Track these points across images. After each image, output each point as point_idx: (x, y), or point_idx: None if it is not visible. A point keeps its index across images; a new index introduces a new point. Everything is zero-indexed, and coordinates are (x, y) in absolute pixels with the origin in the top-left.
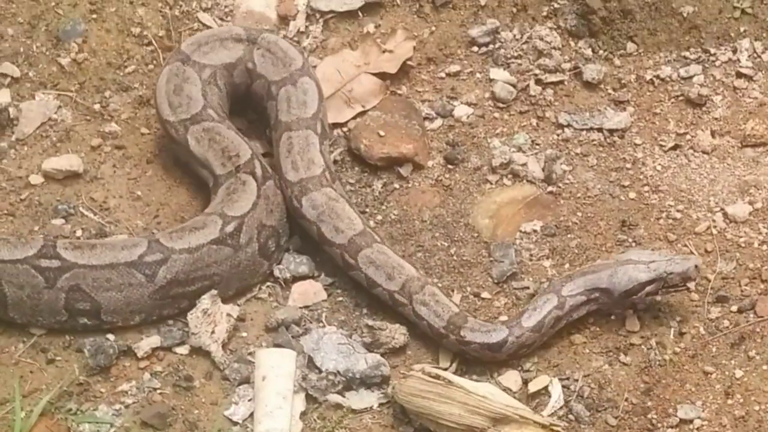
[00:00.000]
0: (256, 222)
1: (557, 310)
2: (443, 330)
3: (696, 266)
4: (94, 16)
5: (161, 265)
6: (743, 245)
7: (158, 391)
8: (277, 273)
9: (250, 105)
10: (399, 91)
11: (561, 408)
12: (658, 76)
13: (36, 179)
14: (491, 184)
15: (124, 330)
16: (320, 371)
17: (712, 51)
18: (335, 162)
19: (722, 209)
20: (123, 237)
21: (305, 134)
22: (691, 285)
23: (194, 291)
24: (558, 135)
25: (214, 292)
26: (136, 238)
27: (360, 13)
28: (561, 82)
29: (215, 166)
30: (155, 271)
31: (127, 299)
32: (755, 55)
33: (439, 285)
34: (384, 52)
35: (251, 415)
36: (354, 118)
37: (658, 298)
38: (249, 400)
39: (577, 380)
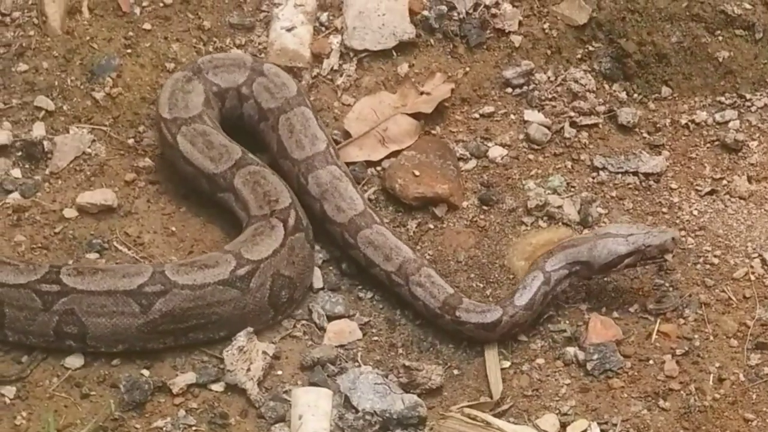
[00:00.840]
0: (272, 269)
1: (545, 286)
2: (438, 310)
3: (673, 238)
4: (129, 51)
5: (159, 297)
6: None
7: (193, 428)
8: (313, 314)
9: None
10: (433, 131)
11: None
12: (693, 121)
13: (70, 213)
14: (526, 225)
15: (160, 366)
16: (357, 411)
17: (748, 96)
18: (369, 200)
19: (760, 255)
20: (128, 265)
21: (300, 110)
22: (669, 257)
23: (185, 328)
24: (593, 178)
25: (250, 329)
26: (143, 266)
27: (394, 53)
28: (596, 125)
29: (252, 207)
30: (151, 303)
31: (115, 327)
32: None
33: None
34: (422, 94)
35: None
36: (388, 157)
37: (637, 269)
38: None
39: (615, 425)
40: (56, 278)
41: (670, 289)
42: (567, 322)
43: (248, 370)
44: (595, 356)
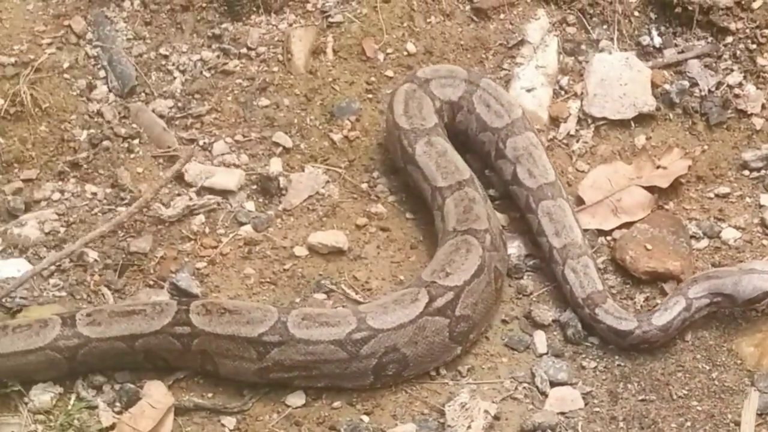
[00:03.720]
0: (389, 342)
1: (685, 312)
2: (581, 301)
3: None
4: (369, 96)
5: (275, 347)
6: None
7: None
8: (536, 378)
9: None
10: (667, 207)
11: None
12: None
13: (300, 251)
14: (757, 312)
15: (380, 413)
16: None
17: None
18: (598, 269)
19: None
20: (256, 306)
21: (490, 84)
22: None
23: (293, 377)
24: None
25: (474, 386)
26: (270, 310)
27: (632, 123)
28: None
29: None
30: (268, 351)
31: (237, 369)
32: None
33: (698, 408)
34: (658, 167)
35: None
36: (619, 227)
37: None
38: None
39: None
40: (186, 319)
41: None
42: None
43: (468, 427)
44: None
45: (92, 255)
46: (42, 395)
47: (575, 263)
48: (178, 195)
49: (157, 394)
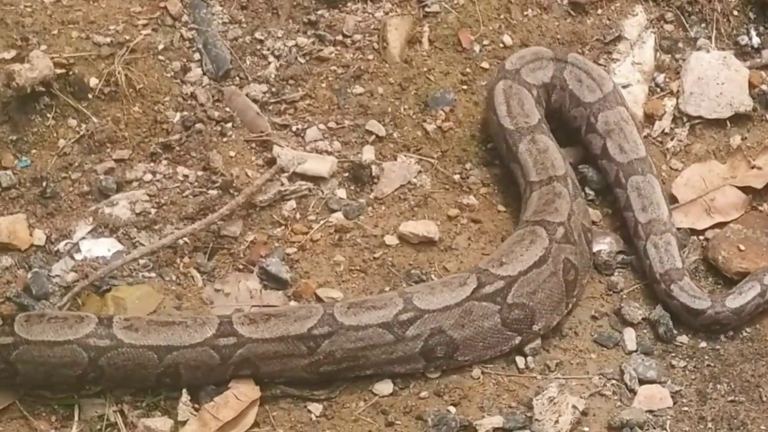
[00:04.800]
0: (435, 323)
1: (759, 298)
2: (658, 276)
3: None
4: (464, 87)
5: (325, 339)
6: None
7: None
8: (625, 375)
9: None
10: (761, 208)
11: None
12: None
13: (391, 240)
14: None
15: (467, 404)
16: None
17: None
18: (688, 270)
19: None
20: (299, 306)
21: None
22: None
23: (342, 369)
24: None
25: (562, 381)
26: (315, 307)
27: (728, 123)
28: None
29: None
30: (318, 344)
31: (284, 367)
32: None
33: None
34: (752, 168)
35: None
36: (712, 227)
37: None
38: None
39: None
40: (231, 329)
41: None
42: None
43: (556, 422)
44: None
45: (183, 233)
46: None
47: (658, 239)
48: (270, 180)
49: (245, 388)
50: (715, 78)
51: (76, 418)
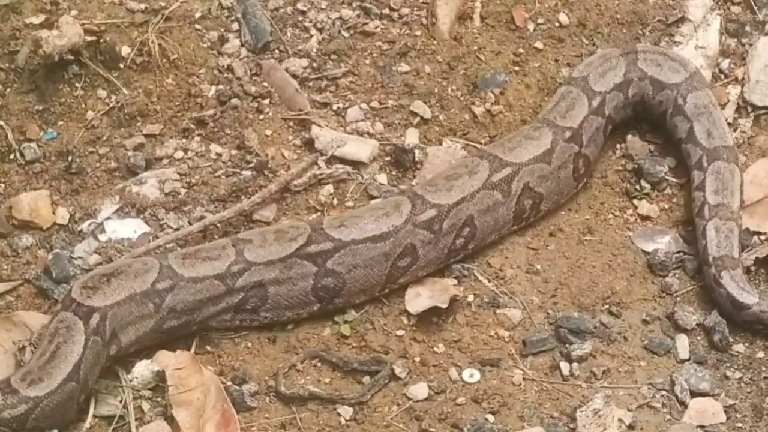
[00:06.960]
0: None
1: None
2: (711, 259)
3: None
4: (516, 68)
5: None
6: None
7: None
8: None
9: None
10: None
11: None
12: None
13: None
14: None
15: (507, 413)
16: None
17: None
18: (740, 239)
19: None
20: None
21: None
22: None
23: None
24: None
25: (608, 392)
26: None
27: None
28: None
29: None
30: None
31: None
32: None
33: None
34: None
35: None
36: None
37: None
38: None
39: None
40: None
41: None
42: None
43: None
44: None
45: (213, 221)
46: (144, 372)
47: (721, 223)
48: (306, 170)
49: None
50: None
51: (91, 411)
